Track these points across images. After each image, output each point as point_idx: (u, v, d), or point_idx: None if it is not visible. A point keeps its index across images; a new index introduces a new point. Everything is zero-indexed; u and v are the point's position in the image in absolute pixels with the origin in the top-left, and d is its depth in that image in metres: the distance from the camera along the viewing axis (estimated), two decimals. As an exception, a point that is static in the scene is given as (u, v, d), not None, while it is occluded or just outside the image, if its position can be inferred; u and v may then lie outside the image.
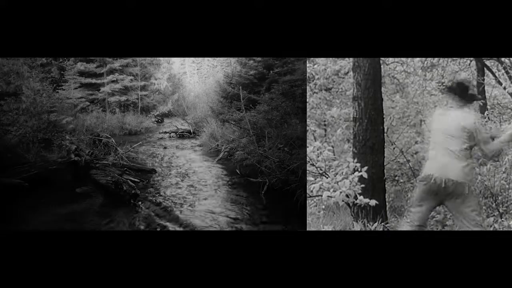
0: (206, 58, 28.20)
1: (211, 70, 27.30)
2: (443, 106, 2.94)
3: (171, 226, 4.48)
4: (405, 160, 5.11)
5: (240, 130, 8.41)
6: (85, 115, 13.06)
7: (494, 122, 5.09)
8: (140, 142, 10.25)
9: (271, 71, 10.01)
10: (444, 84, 3.06)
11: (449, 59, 5.63)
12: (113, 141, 8.28)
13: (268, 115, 7.50)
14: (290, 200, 5.05)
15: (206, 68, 28.75)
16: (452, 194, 2.70)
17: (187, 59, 29.38)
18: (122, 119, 14.01)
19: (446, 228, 3.49)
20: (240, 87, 9.33)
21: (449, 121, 2.80)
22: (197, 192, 5.92)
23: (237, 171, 7.01)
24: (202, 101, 15.99)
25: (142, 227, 4.43)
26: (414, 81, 5.60)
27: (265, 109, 7.83)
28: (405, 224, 2.86)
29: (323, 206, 4.51)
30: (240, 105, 8.04)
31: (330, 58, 5.59)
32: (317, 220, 4.28)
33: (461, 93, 2.88)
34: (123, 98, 15.52)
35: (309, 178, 3.61)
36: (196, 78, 28.86)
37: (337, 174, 3.51)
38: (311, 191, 3.43)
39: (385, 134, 4.35)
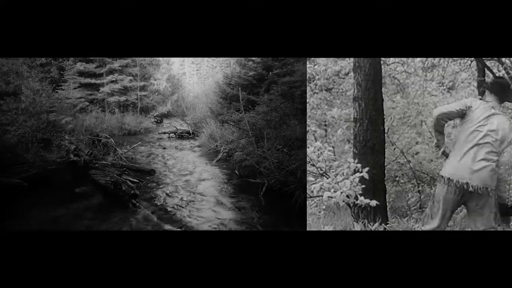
0: (205, 59, 28.19)
1: (210, 71, 27.30)
2: (484, 102, 2.83)
3: (170, 227, 4.47)
4: (405, 160, 5.11)
5: (239, 131, 8.40)
6: (84, 115, 13.05)
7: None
8: (139, 143, 10.24)
9: (270, 72, 10.01)
10: (485, 82, 3.01)
11: (450, 59, 5.62)
12: (112, 141, 8.27)
13: (267, 116, 7.48)
14: (289, 201, 5.04)
15: (205, 69, 28.75)
16: (479, 201, 2.68)
17: (186, 60, 29.38)
18: (121, 119, 14.00)
19: (446, 228, 3.48)
20: (239, 88, 9.32)
21: (499, 125, 2.73)
22: (196, 193, 5.90)
23: (236, 172, 7.00)
24: (201, 102, 15.97)
25: (141, 227, 4.42)
26: (415, 82, 5.60)
27: (264, 110, 7.81)
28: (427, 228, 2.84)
29: (324, 207, 4.51)
30: (239, 106, 8.03)
31: (331, 59, 5.59)
32: (317, 220, 4.27)
33: (502, 91, 2.84)
34: (123, 98, 15.51)
35: (310, 178, 3.61)
36: (195, 79, 28.86)
37: (337, 174, 3.50)
38: (312, 192, 3.42)
39: (385, 135, 4.35)
